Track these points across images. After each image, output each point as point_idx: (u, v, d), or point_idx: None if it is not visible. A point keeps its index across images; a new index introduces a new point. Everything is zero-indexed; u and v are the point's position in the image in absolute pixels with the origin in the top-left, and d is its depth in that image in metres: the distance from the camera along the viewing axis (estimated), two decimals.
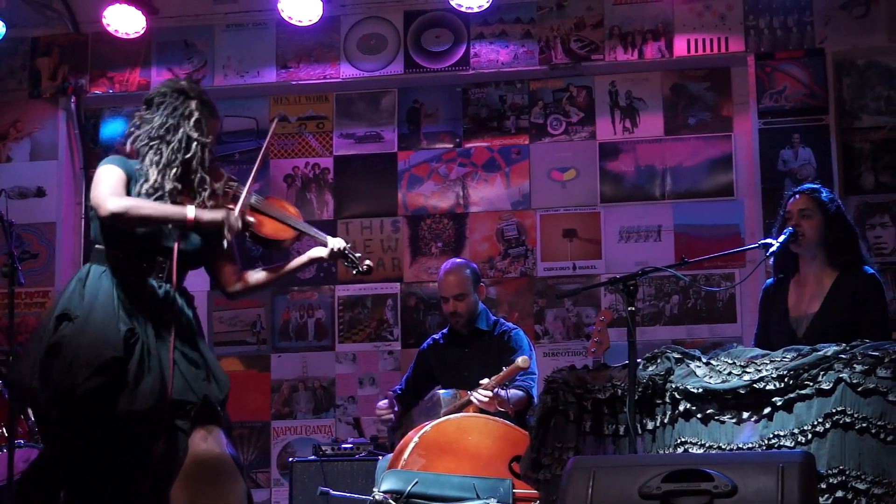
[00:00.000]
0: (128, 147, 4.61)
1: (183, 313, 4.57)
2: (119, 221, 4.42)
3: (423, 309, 7.87)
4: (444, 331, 6.58)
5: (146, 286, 4.50)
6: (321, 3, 7.61)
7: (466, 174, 7.95)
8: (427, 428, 5.62)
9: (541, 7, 7.81)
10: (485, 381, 5.92)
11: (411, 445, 5.51)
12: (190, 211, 4.46)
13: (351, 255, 4.83)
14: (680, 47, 7.63)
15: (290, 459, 6.86)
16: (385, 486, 5.18)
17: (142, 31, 7.70)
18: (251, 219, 4.68)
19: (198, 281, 7.97)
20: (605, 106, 7.82)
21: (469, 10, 7.62)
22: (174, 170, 4.48)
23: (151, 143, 4.52)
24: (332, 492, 5.86)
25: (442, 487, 5.19)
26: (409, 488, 5.12)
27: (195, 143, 4.51)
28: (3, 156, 8.14)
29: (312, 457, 6.70)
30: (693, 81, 7.76)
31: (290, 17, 7.68)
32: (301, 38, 7.94)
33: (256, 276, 4.84)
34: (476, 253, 7.77)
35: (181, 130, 4.50)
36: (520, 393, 6.06)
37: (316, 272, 7.97)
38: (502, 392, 5.91)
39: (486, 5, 7.55)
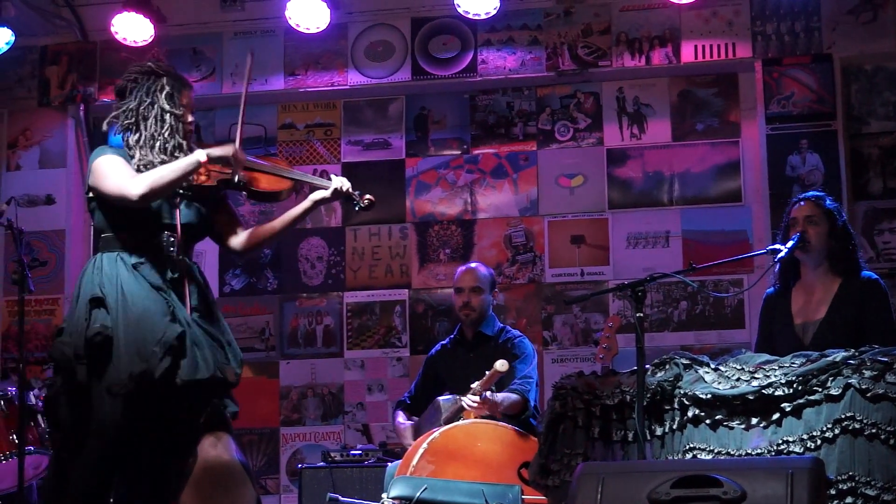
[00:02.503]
0: (113, 134, 4.78)
1: (201, 285, 4.68)
2: (150, 199, 4.54)
3: (431, 315, 7.88)
4: (452, 336, 6.62)
5: (161, 263, 4.59)
6: (329, 10, 7.62)
7: (474, 181, 7.96)
8: (436, 434, 5.64)
9: (548, 14, 7.81)
10: (475, 385, 5.91)
11: (420, 451, 5.54)
12: (200, 154, 4.58)
13: (352, 193, 4.85)
14: (687, 53, 7.63)
15: (300, 466, 6.87)
16: (394, 492, 5.19)
17: (150, 39, 7.69)
18: (245, 178, 4.72)
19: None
20: (613, 112, 7.83)
21: (476, 17, 7.62)
22: (157, 142, 4.63)
23: (131, 125, 4.67)
24: (340, 498, 5.83)
25: (451, 494, 5.20)
26: (417, 494, 5.13)
27: (168, 115, 4.65)
28: (13, 164, 8.16)
29: (321, 463, 6.73)
30: (700, 87, 7.76)
31: (297, 25, 7.69)
32: (308, 45, 7.95)
33: (263, 228, 4.90)
34: (484, 259, 7.73)
35: (156, 106, 4.65)
36: (513, 396, 6.05)
37: (324, 279, 8.00)
38: (492, 396, 5.91)
39: (494, 12, 7.55)
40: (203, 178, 4.66)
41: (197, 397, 4.53)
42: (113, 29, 7.67)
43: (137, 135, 4.64)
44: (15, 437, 6.21)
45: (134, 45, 7.72)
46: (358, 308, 7.97)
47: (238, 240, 4.87)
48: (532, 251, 7.84)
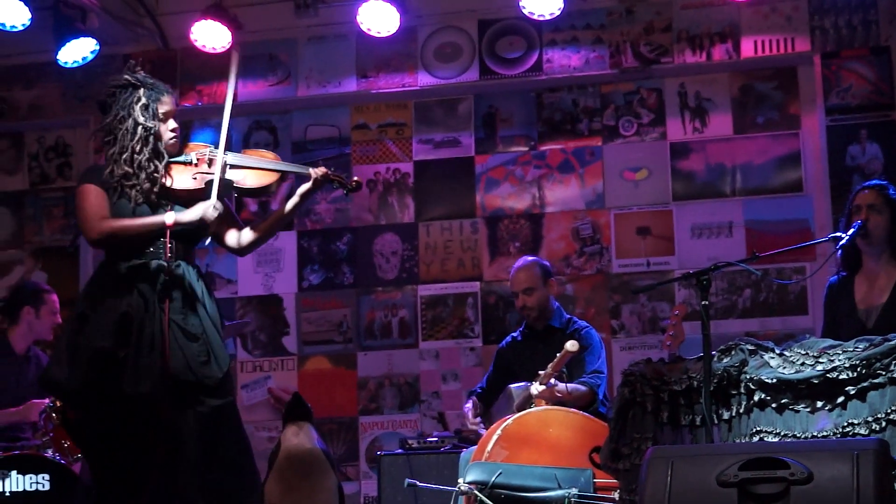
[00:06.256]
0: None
1: (186, 286, 4.71)
2: (103, 246, 4.74)
3: (502, 306, 7.93)
4: (521, 328, 6.65)
5: (146, 267, 4.68)
6: (398, 14, 7.68)
7: (542, 176, 8.03)
8: (509, 421, 5.66)
9: (610, 13, 7.87)
10: (547, 368, 5.92)
11: (494, 438, 5.56)
12: (168, 217, 4.69)
13: (336, 177, 4.90)
14: (747, 48, 7.67)
15: (378, 453, 6.92)
16: (470, 477, 5.21)
17: (228, 46, 7.69)
18: (233, 177, 4.82)
19: (286, 283, 8.10)
20: (675, 107, 7.87)
21: (541, 18, 7.66)
22: (126, 154, 4.70)
23: (108, 138, 4.77)
24: (418, 483, 5.82)
25: (524, 478, 5.22)
26: (493, 479, 5.15)
27: (140, 127, 4.71)
28: None
29: (399, 450, 6.81)
30: (760, 81, 7.78)
31: (368, 29, 7.76)
32: (380, 48, 8.02)
33: (258, 227, 4.96)
34: (552, 252, 7.83)
35: (130, 118, 4.71)
36: (581, 388, 6.06)
37: (399, 273, 8.11)
38: (560, 384, 5.93)
39: (558, 13, 7.59)
40: (194, 182, 4.77)
41: (161, 401, 4.55)
42: (192, 36, 7.73)
43: (114, 148, 4.73)
44: (69, 444, 6.35)
45: (213, 51, 7.77)
46: (432, 300, 8.05)
47: (235, 239, 4.95)
48: (599, 243, 7.89)
